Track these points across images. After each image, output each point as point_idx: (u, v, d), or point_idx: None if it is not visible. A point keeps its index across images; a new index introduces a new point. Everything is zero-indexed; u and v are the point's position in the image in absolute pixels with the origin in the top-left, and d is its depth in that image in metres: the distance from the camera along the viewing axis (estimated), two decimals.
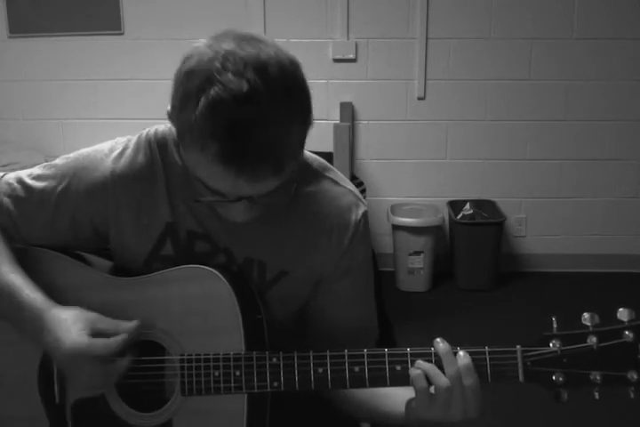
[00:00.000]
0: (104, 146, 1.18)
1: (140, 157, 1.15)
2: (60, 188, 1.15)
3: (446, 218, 3.64)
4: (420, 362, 1.00)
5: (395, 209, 3.60)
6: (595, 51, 3.48)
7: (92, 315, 1.08)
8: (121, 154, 1.16)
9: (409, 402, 1.04)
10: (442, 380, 0.98)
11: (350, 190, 1.19)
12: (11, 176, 1.20)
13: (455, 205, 3.62)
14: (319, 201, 1.16)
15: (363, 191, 3.40)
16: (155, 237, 1.15)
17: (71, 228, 1.17)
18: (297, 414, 1.22)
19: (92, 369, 1.04)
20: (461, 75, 3.54)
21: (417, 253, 3.50)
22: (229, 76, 0.91)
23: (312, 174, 1.18)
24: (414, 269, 3.52)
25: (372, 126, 3.63)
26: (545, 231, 3.76)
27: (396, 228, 3.52)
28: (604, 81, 3.53)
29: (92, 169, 1.15)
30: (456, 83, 3.56)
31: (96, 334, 1.05)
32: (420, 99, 3.58)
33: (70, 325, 1.05)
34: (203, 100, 0.91)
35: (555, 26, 3.47)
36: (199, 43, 0.98)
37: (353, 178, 3.38)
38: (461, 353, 0.99)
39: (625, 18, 3.44)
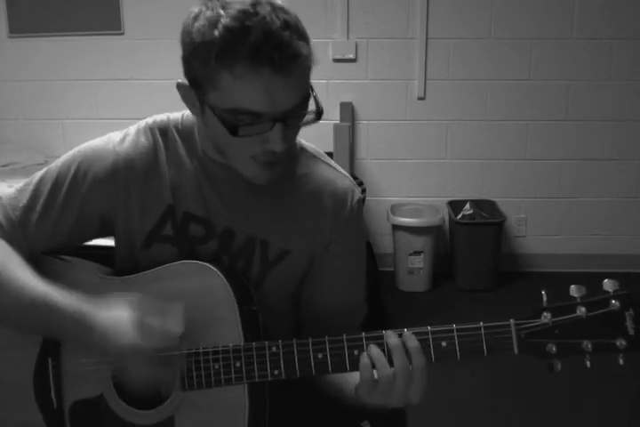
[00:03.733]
0: (102, 138, 1.20)
1: (143, 140, 1.18)
2: (67, 182, 1.16)
3: (446, 218, 3.64)
4: (371, 348, 1.02)
5: (395, 209, 3.59)
6: (595, 51, 3.48)
7: (133, 316, 1.05)
8: (122, 140, 1.18)
9: (356, 386, 1.05)
10: (386, 371, 1.00)
11: (346, 175, 1.25)
12: (11, 191, 1.20)
13: (455, 205, 3.61)
14: (317, 182, 1.21)
15: (363, 191, 3.40)
16: (156, 218, 1.17)
17: (78, 221, 1.17)
18: (297, 405, 1.23)
19: (155, 362, 1.03)
20: (461, 75, 3.54)
21: (417, 253, 3.50)
22: (233, 5, 0.99)
23: (309, 158, 1.23)
24: (414, 269, 3.52)
25: (372, 126, 3.63)
26: (545, 231, 3.76)
27: (395, 228, 3.52)
28: (603, 81, 3.53)
29: (97, 157, 1.16)
30: (456, 83, 3.56)
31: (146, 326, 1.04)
32: (420, 99, 3.58)
33: (118, 330, 1.03)
34: (220, 25, 0.98)
35: (555, 26, 3.47)
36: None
37: (353, 178, 3.37)
38: (407, 333, 1.01)
39: (625, 18, 3.44)
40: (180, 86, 1.08)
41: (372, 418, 1.33)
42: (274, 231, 1.18)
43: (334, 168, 1.24)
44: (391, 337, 1.02)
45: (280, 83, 0.98)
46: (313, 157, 1.23)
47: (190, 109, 1.11)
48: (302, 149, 1.23)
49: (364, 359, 1.01)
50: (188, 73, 1.05)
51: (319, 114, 1.06)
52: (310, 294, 1.23)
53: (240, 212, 1.17)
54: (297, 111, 1.03)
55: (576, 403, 2.50)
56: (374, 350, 1.02)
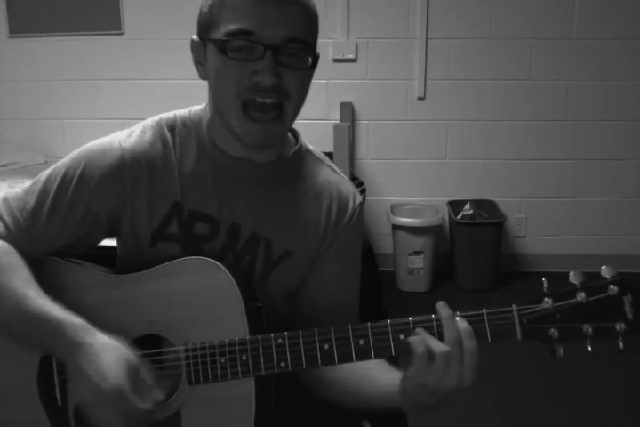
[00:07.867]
0: (108, 136, 1.20)
1: (149, 136, 1.18)
2: (75, 179, 1.15)
3: (446, 218, 3.65)
4: (419, 330, 1.03)
5: (395, 209, 3.60)
6: (595, 51, 3.49)
7: (134, 359, 1.04)
8: (129, 136, 1.18)
9: (405, 371, 1.03)
10: (440, 345, 1.00)
11: (349, 180, 1.28)
12: (17, 191, 1.19)
13: (455, 205, 3.62)
14: (321, 184, 1.23)
15: (363, 191, 3.40)
16: (162, 215, 1.16)
17: (85, 219, 1.16)
18: (297, 404, 1.23)
19: (128, 414, 1.00)
20: (461, 75, 3.54)
21: (417, 253, 3.50)
22: None
23: (315, 160, 1.26)
24: (414, 269, 3.52)
25: (372, 126, 3.63)
26: (545, 231, 3.76)
27: (395, 228, 3.52)
28: (603, 81, 3.53)
29: (103, 154, 1.16)
30: (456, 83, 3.56)
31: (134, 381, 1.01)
32: (420, 99, 3.58)
33: (113, 360, 1.01)
34: None
35: (555, 26, 3.47)
36: None
37: (353, 178, 3.38)
38: (458, 318, 1.03)
39: (625, 18, 3.44)
40: (192, 42, 1.14)
41: (372, 418, 1.33)
42: (278, 231, 1.19)
43: (337, 173, 1.27)
44: (443, 309, 1.04)
45: (272, 6, 1.06)
46: (318, 159, 1.26)
47: (198, 70, 1.15)
48: (307, 150, 1.26)
49: (414, 337, 1.01)
50: (198, 28, 1.12)
51: (314, 63, 1.15)
52: (308, 292, 1.24)
53: (246, 206, 1.18)
54: (291, 48, 1.09)
55: (579, 391, 2.49)
56: (422, 331, 1.02)
